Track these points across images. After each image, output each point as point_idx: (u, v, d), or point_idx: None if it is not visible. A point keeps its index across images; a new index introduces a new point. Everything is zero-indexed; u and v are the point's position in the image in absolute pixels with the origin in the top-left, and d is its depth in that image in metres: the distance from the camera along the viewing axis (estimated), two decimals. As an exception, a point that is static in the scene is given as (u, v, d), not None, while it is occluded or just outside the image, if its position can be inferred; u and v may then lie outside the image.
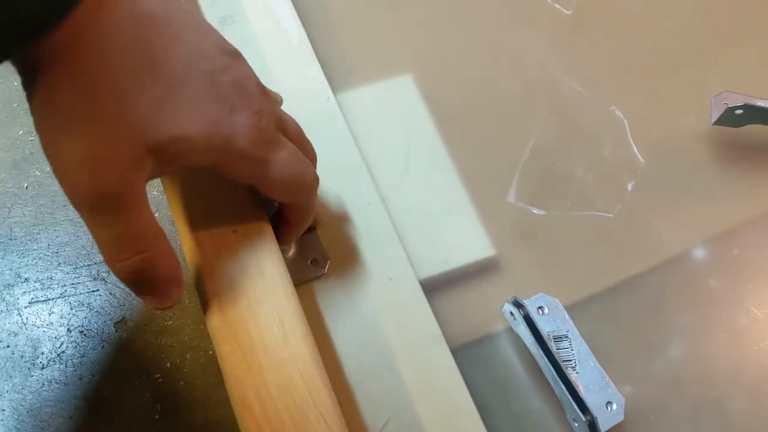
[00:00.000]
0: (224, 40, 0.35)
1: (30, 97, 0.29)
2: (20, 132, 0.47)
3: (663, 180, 0.52)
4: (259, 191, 0.37)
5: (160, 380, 0.40)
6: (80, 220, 0.45)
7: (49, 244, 0.43)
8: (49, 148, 0.29)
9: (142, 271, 0.32)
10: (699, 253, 0.50)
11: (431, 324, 0.42)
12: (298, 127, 0.39)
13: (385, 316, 0.42)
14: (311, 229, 0.43)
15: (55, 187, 0.46)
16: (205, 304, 0.36)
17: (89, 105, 0.29)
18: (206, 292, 0.36)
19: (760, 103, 0.50)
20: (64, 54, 0.28)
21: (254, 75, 0.36)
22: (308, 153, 0.39)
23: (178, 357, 0.41)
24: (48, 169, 0.47)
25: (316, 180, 0.39)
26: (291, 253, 0.42)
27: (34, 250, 0.43)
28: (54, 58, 0.28)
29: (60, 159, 0.29)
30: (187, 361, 0.41)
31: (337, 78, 0.53)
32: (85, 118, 0.29)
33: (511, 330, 0.45)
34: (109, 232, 0.31)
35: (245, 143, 0.33)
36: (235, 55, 0.35)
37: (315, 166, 0.40)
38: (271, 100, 0.37)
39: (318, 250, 0.42)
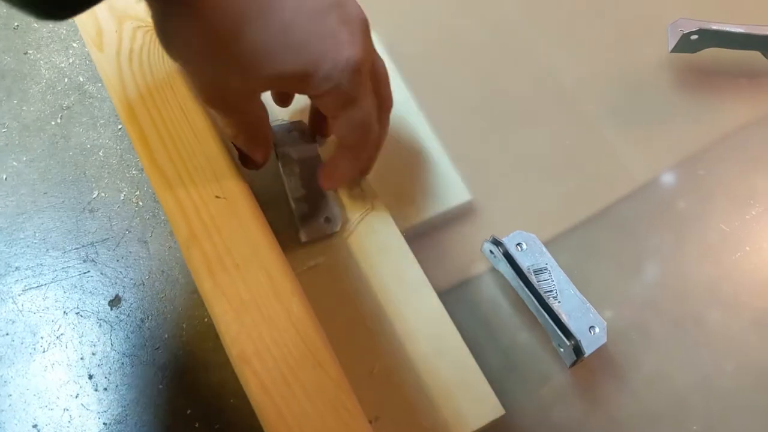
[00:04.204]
0: None
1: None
2: (-8, 126, 0.47)
3: (626, 109, 0.54)
4: (329, 127, 0.45)
5: (160, 351, 0.41)
6: (63, 205, 0.46)
7: (35, 232, 0.44)
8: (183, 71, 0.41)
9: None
10: (667, 178, 0.52)
11: (415, 269, 0.43)
12: (386, 71, 0.42)
13: (370, 266, 0.43)
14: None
15: (34, 175, 0.47)
16: (194, 270, 0.37)
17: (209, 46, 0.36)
18: (194, 258, 0.37)
19: (715, 27, 0.51)
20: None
21: (362, 14, 0.39)
22: (387, 100, 0.43)
23: (175, 327, 0.42)
24: (24, 158, 0.47)
25: (381, 138, 0.43)
26: (306, 209, 0.43)
27: (21, 239, 0.44)
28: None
29: (191, 83, 0.40)
30: (183, 330, 0.42)
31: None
32: (205, 57, 0.36)
33: (492, 270, 0.47)
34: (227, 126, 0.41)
35: (343, 79, 0.37)
36: None
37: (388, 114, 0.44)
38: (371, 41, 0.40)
39: (331, 208, 0.43)
